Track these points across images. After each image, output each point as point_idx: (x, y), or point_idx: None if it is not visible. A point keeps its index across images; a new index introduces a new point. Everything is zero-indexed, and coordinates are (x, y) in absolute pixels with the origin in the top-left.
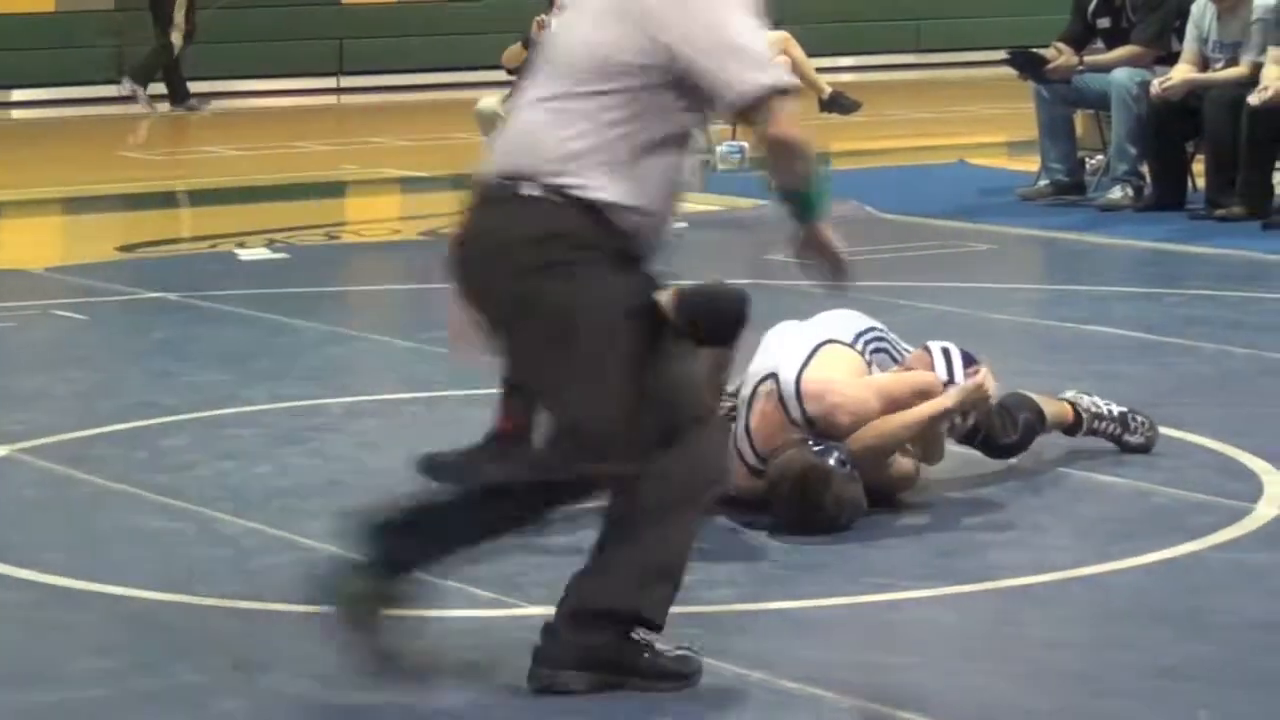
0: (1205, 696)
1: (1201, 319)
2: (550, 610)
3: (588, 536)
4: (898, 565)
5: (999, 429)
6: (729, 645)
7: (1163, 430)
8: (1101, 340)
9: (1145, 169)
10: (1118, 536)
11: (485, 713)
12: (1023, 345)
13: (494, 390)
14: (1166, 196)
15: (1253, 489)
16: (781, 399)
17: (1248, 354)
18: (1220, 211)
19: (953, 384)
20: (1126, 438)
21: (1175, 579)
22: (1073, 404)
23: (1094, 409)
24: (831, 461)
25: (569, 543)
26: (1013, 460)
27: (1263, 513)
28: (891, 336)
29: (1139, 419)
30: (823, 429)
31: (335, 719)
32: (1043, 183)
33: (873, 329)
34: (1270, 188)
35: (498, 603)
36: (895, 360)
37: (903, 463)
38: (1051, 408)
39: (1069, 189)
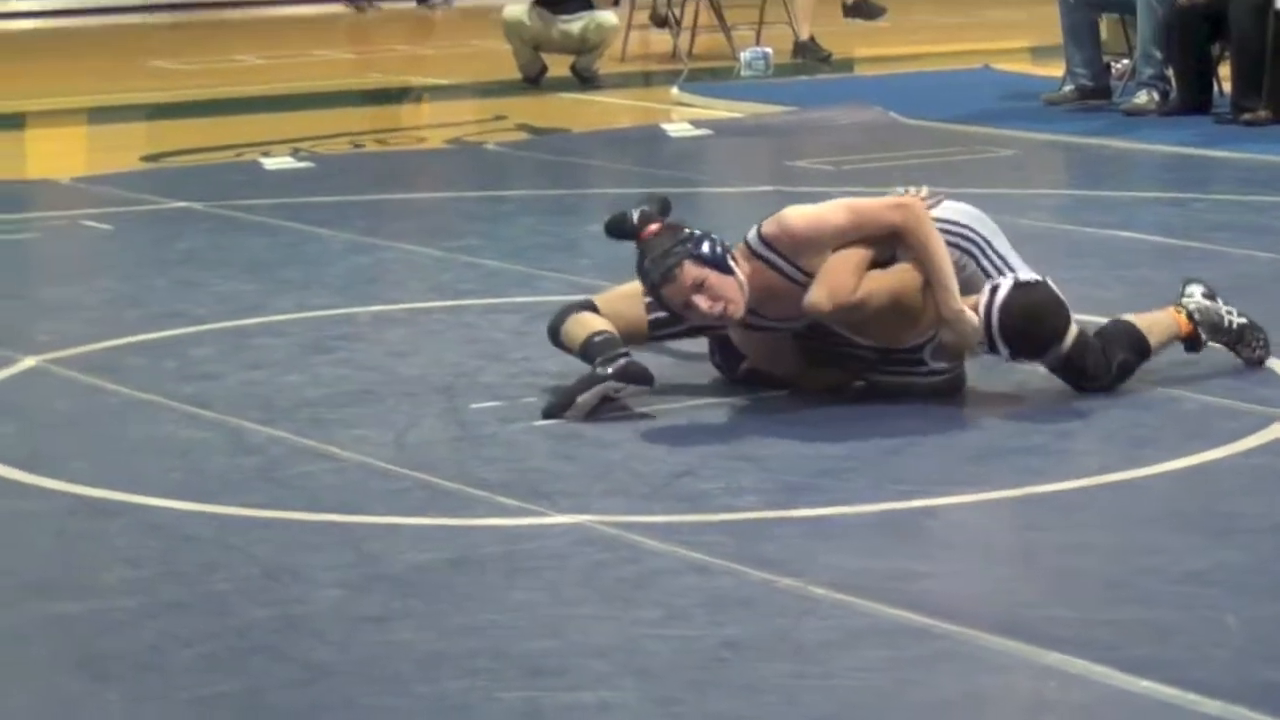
0: (1233, 602)
1: (1226, 224)
2: (579, 518)
3: (618, 447)
4: (925, 472)
5: (1092, 368)
6: (756, 552)
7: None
8: (1126, 245)
9: (1170, 73)
10: (1144, 442)
11: (511, 621)
12: (1047, 250)
13: (518, 298)
14: (1192, 101)
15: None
16: (746, 238)
17: (1272, 258)
18: (1246, 116)
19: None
20: (1242, 350)
21: (1202, 485)
22: (1191, 317)
23: (1215, 319)
24: (691, 231)
25: (596, 452)
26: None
27: None
28: (987, 242)
29: (1259, 335)
30: (786, 249)
31: (364, 629)
32: (1067, 88)
33: (944, 223)
34: None
35: (524, 511)
36: (983, 271)
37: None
38: (1160, 329)
39: (1094, 94)
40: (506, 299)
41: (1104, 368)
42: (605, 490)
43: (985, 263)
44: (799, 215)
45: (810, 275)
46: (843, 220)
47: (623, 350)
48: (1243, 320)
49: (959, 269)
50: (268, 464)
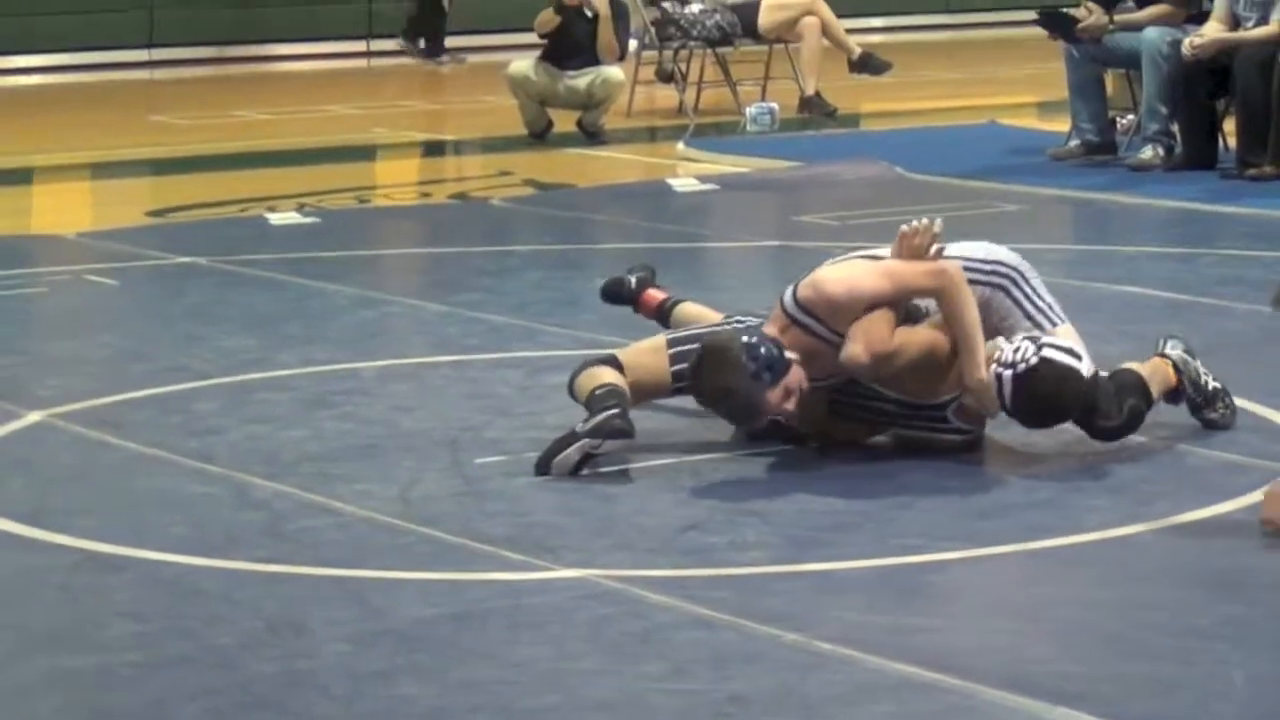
0: (1238, 658)
1: (1233, 279)
2: (583, 573)
3: (622, 501)
4: (931, 526)
5: (1104, 407)
6: (761, 606)
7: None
8: (1133, 300)
9: (1176, 128)
10: (1151, 497)
11: (515, 677)
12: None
13: (522, 353)
14: (1197, 156)
15: None
16: (782, 301)
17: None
18: (1251, 171)
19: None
20: (1207, 413)
21: (1208, 540)
22: (1176, 369)
23: (1194, 376)
24: (746, 343)
25: (601, 506)
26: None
27: None
28: (1021, 276)
29: (1228, 400)
30: (823, 313)
31: (369, 684)
32: (1073, 143)
33: (978, 262)
34: None
35: (529, 565)
36: (1015, 303)
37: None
38: (1158, 379)
39: (1100, 149)
40: (511, 354)
41: (1116, 409)
42: (610, 544)
43: (1018, 293)
44: (836, 281)
45: (843, 335)
46: (879, 286)
47: (613, 404)
48: (1217, 384)
49: (984, 304)
50: (272, 518)
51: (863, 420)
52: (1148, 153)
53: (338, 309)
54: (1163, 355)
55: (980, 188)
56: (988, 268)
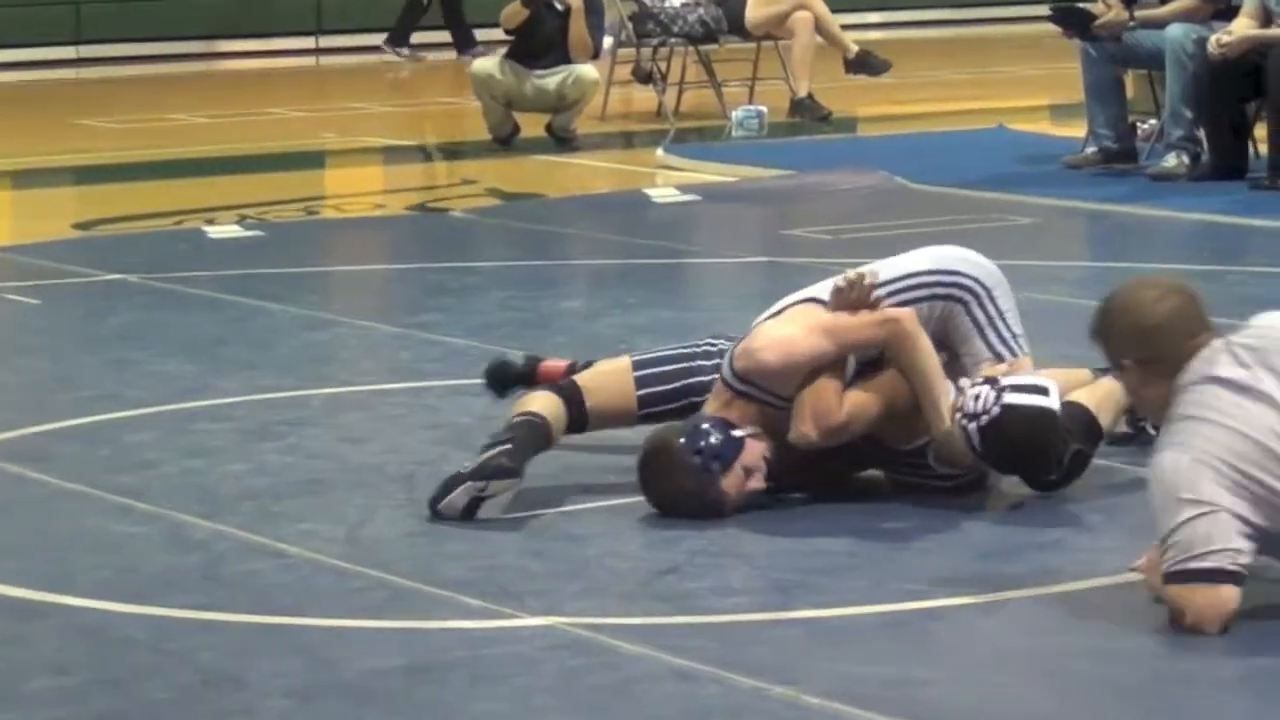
0: (1264, 710)
1: (1264, 299)
2: (550, 620)
3: (593, 542)
4: (931, 570)
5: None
6: (745, 657)
7: None
8: None
9: (1202, 134)
10: None
11: None
12: (1067, 328)
13: (478, 379)
14: (1225, 164)
15: None
16: (721, 373)
17: None
18: None
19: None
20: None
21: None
22: None
23: None
24: (684, 443)
25: (569, 548)
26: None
27: None
28: (987, 292)
29: None
30: (763, 382)
31: None
32: (1090, 150)
33: (924, 274)
34: None
35: (490, 612)
36: (973, 322)
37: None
38: (1109, 404)
39: (1118, 156)
40: (472, 380)
41: (1057, 460)
42: (579, 589)
43: (979, 313)
44: (769, 348)
45: (790, 400)
46: (818, 346)
47: (505, 441)
48: None
49: (941, 321)
50: (209, 561)
51: (846, 463)
52: (1171, 161)
53: (283, 331)
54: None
55: (987, 199)
56: (948, 279)
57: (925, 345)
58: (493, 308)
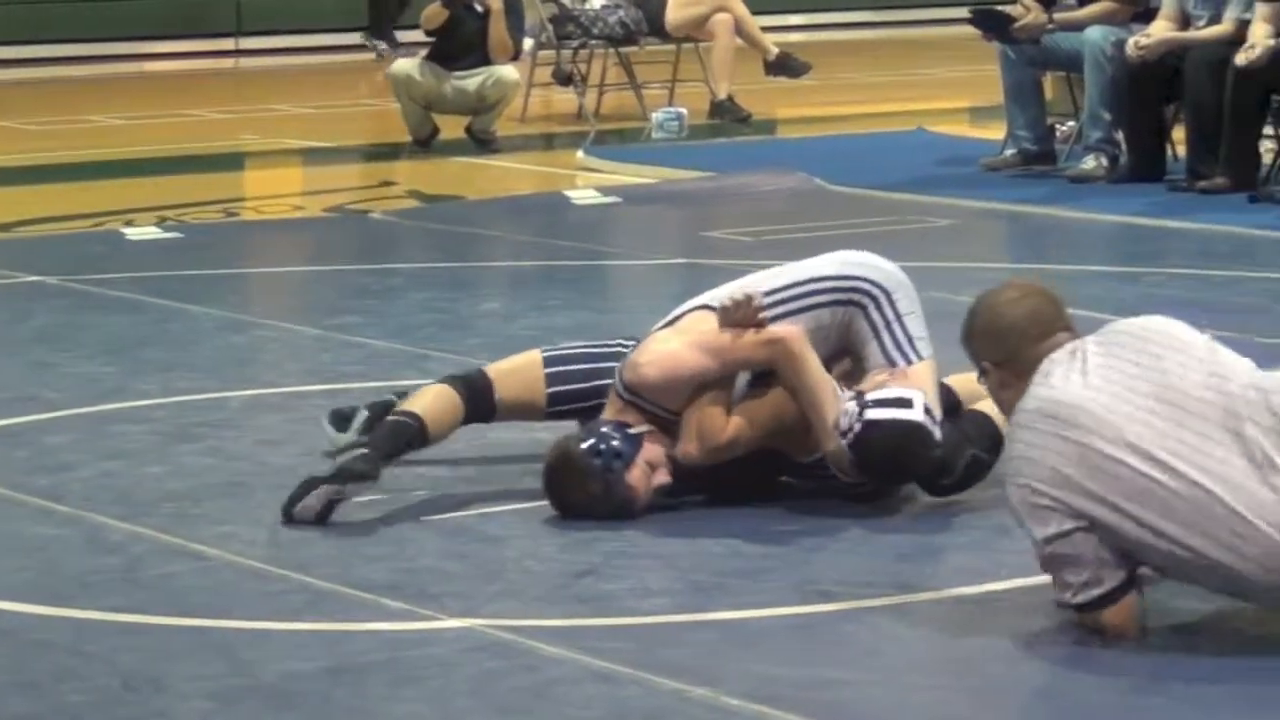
0: (1183, 712)
1: (1183, 300)
2: (469, 622)
3: (512, 544)
4: (849, 571)
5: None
6: (665, 659)
7: None
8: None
9: (1121, 136)
10: None
11: None
12: None
13: (405, 381)
14: (1144, 166)
15: None
16: (613, 382)
17: (1235, 339)
18: (1202, 183)
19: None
20: None
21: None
22: None
23: None
24: (584, 448)
25: (488, 550)
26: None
27: None
28: (886, 295)
29: None
30: (648, 395)
31: None
32: (1009, 152)
33: (825, 280)
34: (1257, 157)
35: (410, 614)
36: (870, 325)
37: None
38: None
39: (1037, 158)
40: (393, 382)
41: (957, 461)
42: (498, 591)
43: (877, 317)
44: (652, 364)
45: (679, 414)
46: (702, 363)
47: (362, 445)
48: None
49: (843, 328)
50: (128, 563)
51: (754, 474)
52: (1090, 163)
53: (202, 333)
54: None
55: (907, 200)
56: (846, 285)
57: (812, 364)
58: (413, 309)
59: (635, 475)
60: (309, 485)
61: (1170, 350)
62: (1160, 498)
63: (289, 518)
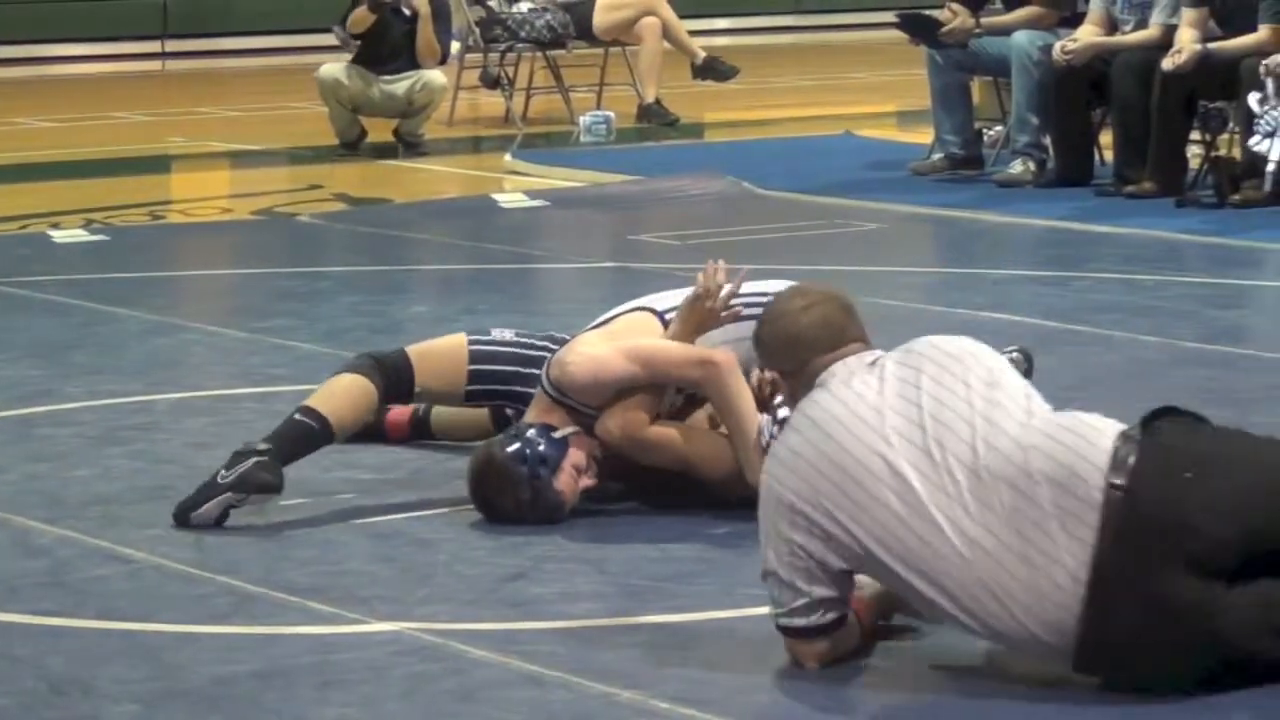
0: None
1: (1110, 305)
2: (398, 626)
3: (441, 547)
4: None
5: None
6: (595, 662)
7: None
8: (1001, 328)
9: (1048, 141)
10: None
11: None
12: (914, 334)
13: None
14: (1071, 171)
15: None
16: (540, 381)
17: (1160, 342)
18: (1129, 187)
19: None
20: None
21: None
22: None
23: None
24: (509, 452)
25: (417, 553)
26: None
27: None
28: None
29: None
30: (573, 394)
31: None
32: (936, 156)
33: (753, 294)
34: (1183, 161)
35: (338, 618)
36: None
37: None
38: None
39: (965, 163)
40: (321, 386)
41: None
42: (427, 595)
43: None
44: (578, 365)
45: (573, 400)
46: (629, 371)
47: (261, 448)
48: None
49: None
50: (54, 566)
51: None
52: (1017, 167)
53: (129, 336)
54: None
55: (834, 204)
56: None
57: (742, 393)
58: (341, 313)
59: (563, 480)
60: (210, 491)
61: (958, 376)
62: (900, 536)
63: (184, 523)
